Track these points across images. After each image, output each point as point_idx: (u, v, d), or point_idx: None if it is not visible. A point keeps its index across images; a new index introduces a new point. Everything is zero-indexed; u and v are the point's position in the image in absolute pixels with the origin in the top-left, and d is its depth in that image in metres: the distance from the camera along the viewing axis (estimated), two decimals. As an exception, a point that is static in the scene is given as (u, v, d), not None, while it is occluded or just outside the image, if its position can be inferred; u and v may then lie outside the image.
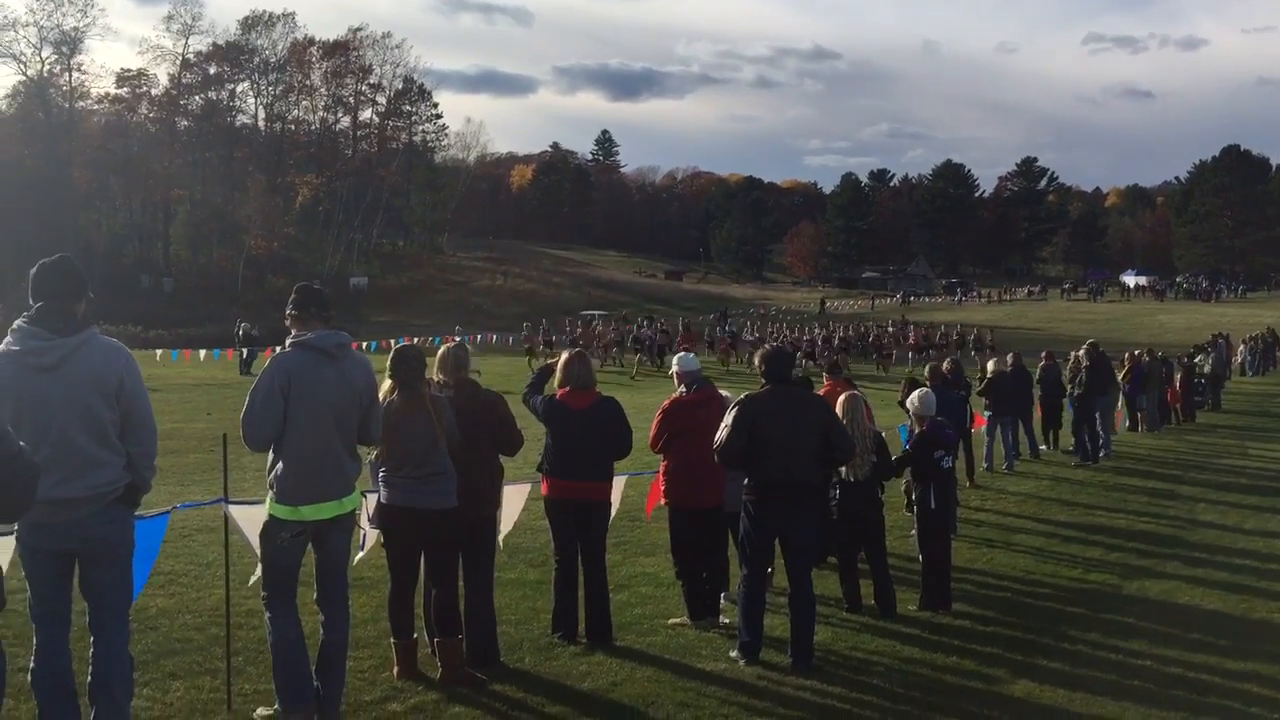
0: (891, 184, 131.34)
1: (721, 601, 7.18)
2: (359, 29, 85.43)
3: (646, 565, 8.73)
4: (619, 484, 7.26)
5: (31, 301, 4.26)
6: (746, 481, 6.31)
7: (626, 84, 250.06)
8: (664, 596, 7.69)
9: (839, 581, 7.72)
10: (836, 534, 7.71)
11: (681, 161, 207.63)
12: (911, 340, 42.33)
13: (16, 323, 4.18)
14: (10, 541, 4.40)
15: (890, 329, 46.11)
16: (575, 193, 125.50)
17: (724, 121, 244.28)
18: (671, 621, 7.01)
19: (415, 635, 5.76)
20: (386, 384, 5.52)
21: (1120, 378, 17.68)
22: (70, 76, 76.87)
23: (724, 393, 7.53)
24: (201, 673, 5.75)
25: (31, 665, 4.26)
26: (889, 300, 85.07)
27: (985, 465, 14.05)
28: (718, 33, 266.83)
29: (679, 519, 7.15)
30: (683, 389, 7.23)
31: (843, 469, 7.41)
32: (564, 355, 6.91)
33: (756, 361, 6.74)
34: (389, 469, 5.52)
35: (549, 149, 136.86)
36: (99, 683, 4.33)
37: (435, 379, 5.95)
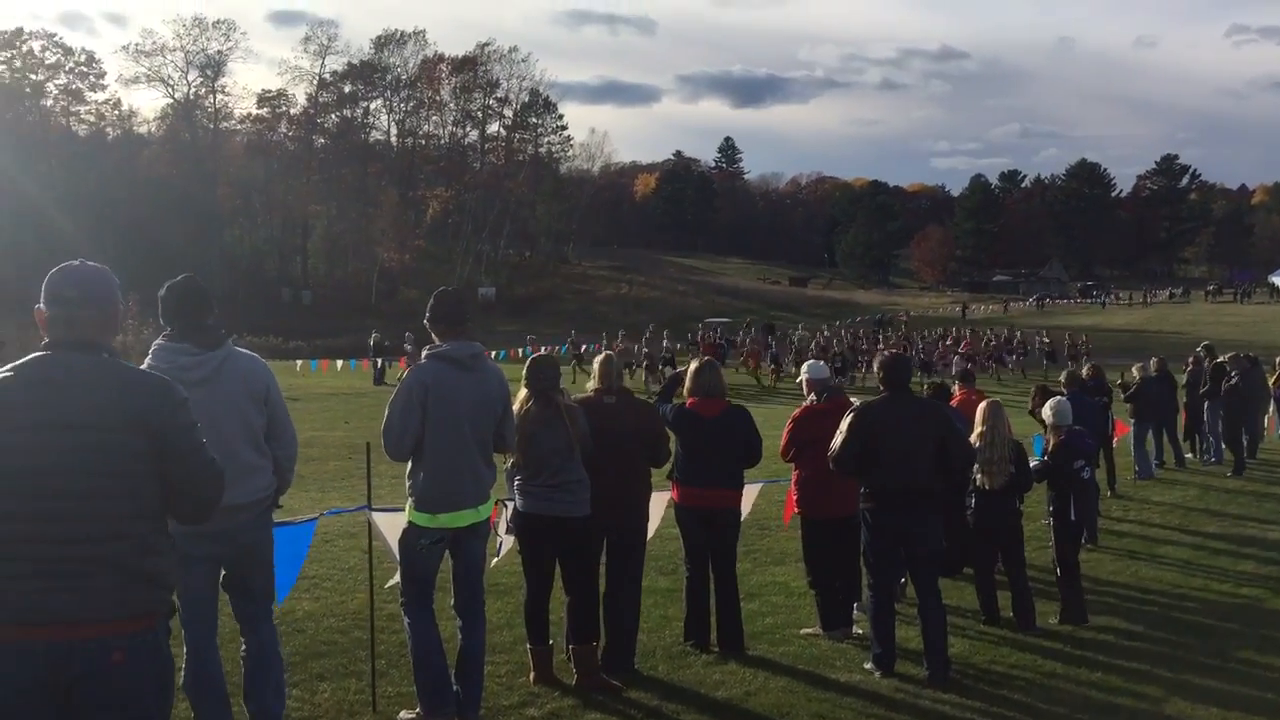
0: (1023, 185, 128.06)
1: (855, 612, 7.11)
2: (486, 44, 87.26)
3: (777, 574, 8.68)
4: (749, 492, 7.25)
5: (165, 322, 4.46)
6: (863, 490, 6.26)
7: (749, 90, 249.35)
8: (795, 606, 7.64)
9: (975, 592, 7.56)
10: (973, 544, 7.56)
11: (805, 167, 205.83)
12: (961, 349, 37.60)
13: (156, 344, 4.38)
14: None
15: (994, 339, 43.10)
16: (698, 200, 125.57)
17: (848, 125, 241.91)
18: (804, 631, 6.96)
19: (551, 641, 5.85)
20: (522, 393, 5.63)
21: (1271, 383, 16.90)
22: (214, 99, 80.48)
23: (857, 401, 7.47)
24: (347, 675, 5.92)
25: (183, 669, 4.44)
26: (1023, 304, 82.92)
27: (1136, 473, 13.61)
28: (842, 36, 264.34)
29: (811, 528, 7.10)
30: (813, 397, 7.19)
31: (978, 478, 7.26)
32: (693, 364, 6.94)
33: (875, 368, 6.67)
34: (525, 477, 5.62)
35: (672, 157, 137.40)
36: (253, 684, 4.52)
37: (594, 387, 6.07)
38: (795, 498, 7.24)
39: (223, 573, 4.50)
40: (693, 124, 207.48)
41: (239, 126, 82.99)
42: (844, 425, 6.21)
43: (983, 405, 7.59)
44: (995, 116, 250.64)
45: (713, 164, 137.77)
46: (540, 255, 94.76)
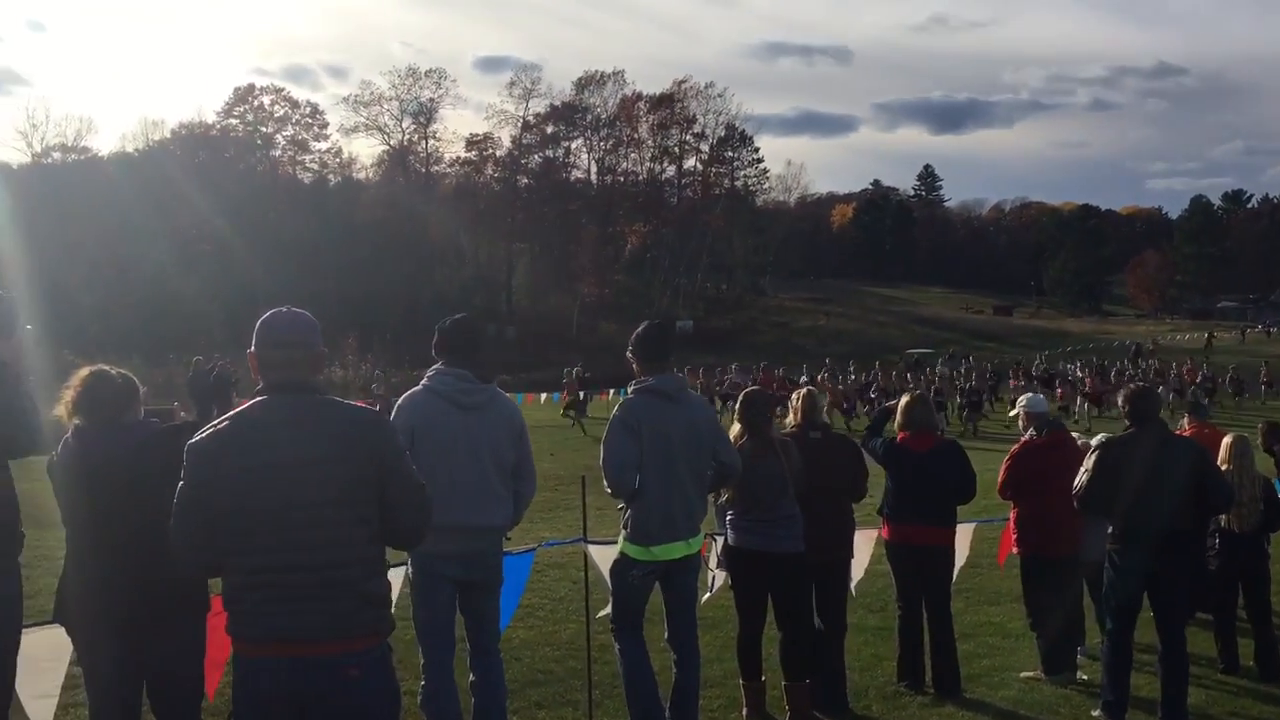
0: (1249, 205, 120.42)
1: (1078, 656, 6.81)
2: (683, 81, 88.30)
3: (992, 614, 8.39)
4: (962, 530, 7.07)
5: (438, 353, 4.80)
6: (1111, 530, 5.96)
7: (949, 116, 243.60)
8: (1013, 648, 7.37)
9: (1214, 639, 7.12)
10: (1214, 587, 7.11)
11: (1009, 192, 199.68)
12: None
13: (436, 369, 4.70)
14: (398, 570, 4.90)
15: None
16: (897, 229, 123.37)
17: (1055, 148, 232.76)
18: (1024, 675, 6.71)
19: (764, 677, 5.83)
20: (735, 428, 5.67)
21: None
22: (426, 144, 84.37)
23: (1077, 436, 7.20)
24: (563, 704, 6.06)
25: (421, 688, 4.68)
26: (1252, 331, 77.82)
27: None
28: (1048, 57, 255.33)
29: (1031, 568, 6.86)
30: (1032, 432, 6.96)
31: (1224, 518, 6.85)
32: (905, 397, 6.83)
33: (1120, 401, 6.35)
34: (738, 512, 5.64)
35: (869, 186, 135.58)
36: (481, 709, 4.71)
37: (795, 423, 6.08)
38: (1014, 536, 7.01)
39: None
40: (890, 152, 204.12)
41: (448, 170, 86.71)
42: (1089, 461, 5.93)
43: (1227, 441, 7.15)
44: (1216, 134, 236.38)
45: (911, 192, 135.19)
46: (737, 288, 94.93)
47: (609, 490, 5.10)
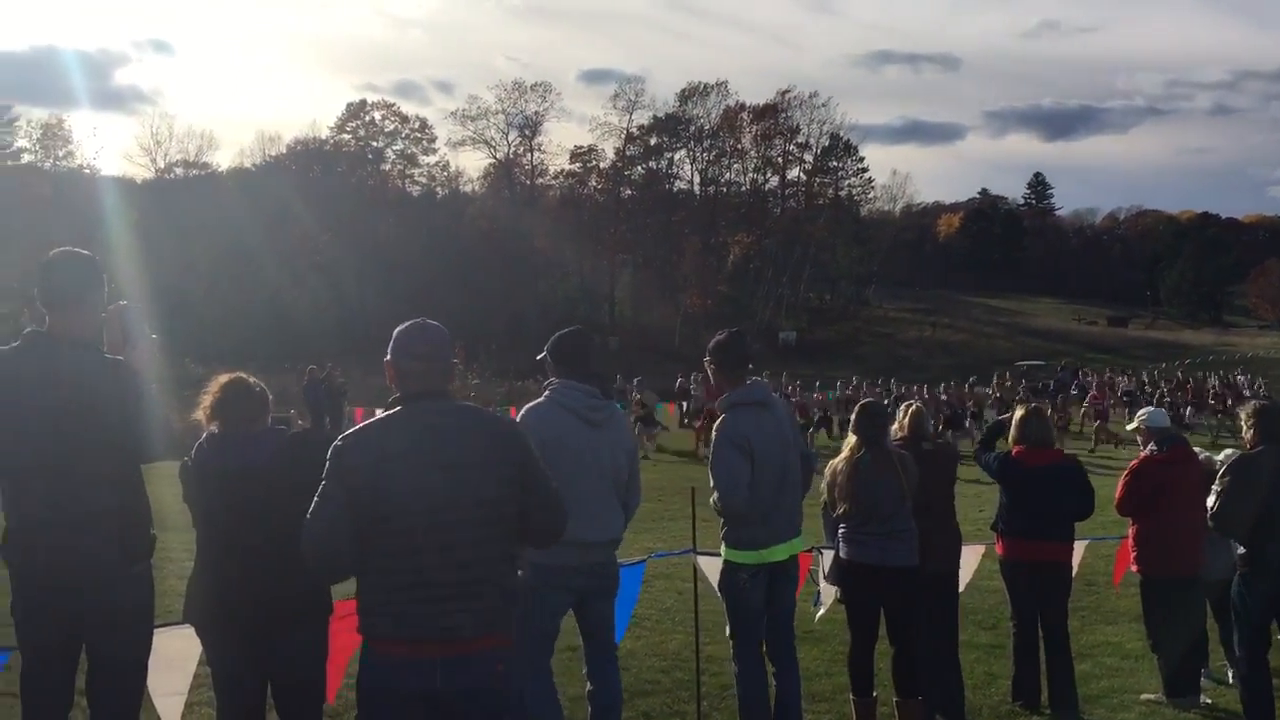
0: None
1: (1202, 679, 6.59)
2: (787, 91, 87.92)
3: (1109, 634, 8.17)
4: (1076, 546, 6.90)
5: (558, 365, 4.86)
6: (1242, 551, 5.76)
7: (1061, 123, 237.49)
8: (1132, 669, 7.16)
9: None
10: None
11: (1123, 200, 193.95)
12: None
13: (560, 383, 4.78)
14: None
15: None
16: (1006, 239, 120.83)
17: (1172, 155, 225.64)
18: (1145, 697, 6.51)
19: (875, 694, 5.77)
20: (851, 439, 5.63)
21: None
22: (531, 156, 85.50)
23: (1200, 451, 6.97)
24: (672, 715, 6.08)
25: (529, 690, 4.75)
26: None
27: None
28: (1165, 62, 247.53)
29: (1151, 587, 6.66)
30: (1152, 447, 6.77)
31: None
32: (1019, 411, 6.70)
33: (1243, 418, 6.12)
34: (852, 525, 5.60)
35: (977, 195, 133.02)
36: (599, 716, 4.79)
37: (903, 436, 6.02)
38: (1132, 554, 6.81)
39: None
40: (999, 160, 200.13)
41: (553, 182, 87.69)
42: (1224, 481, 5.70)
43: None
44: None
45: (1021, 200, 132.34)
46: (841, 298, 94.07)
47: (720, 509, 5.09)
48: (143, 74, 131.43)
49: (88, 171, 53.55)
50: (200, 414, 4.21)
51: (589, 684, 4.91)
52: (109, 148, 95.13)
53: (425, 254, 73.04)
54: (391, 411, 3.36)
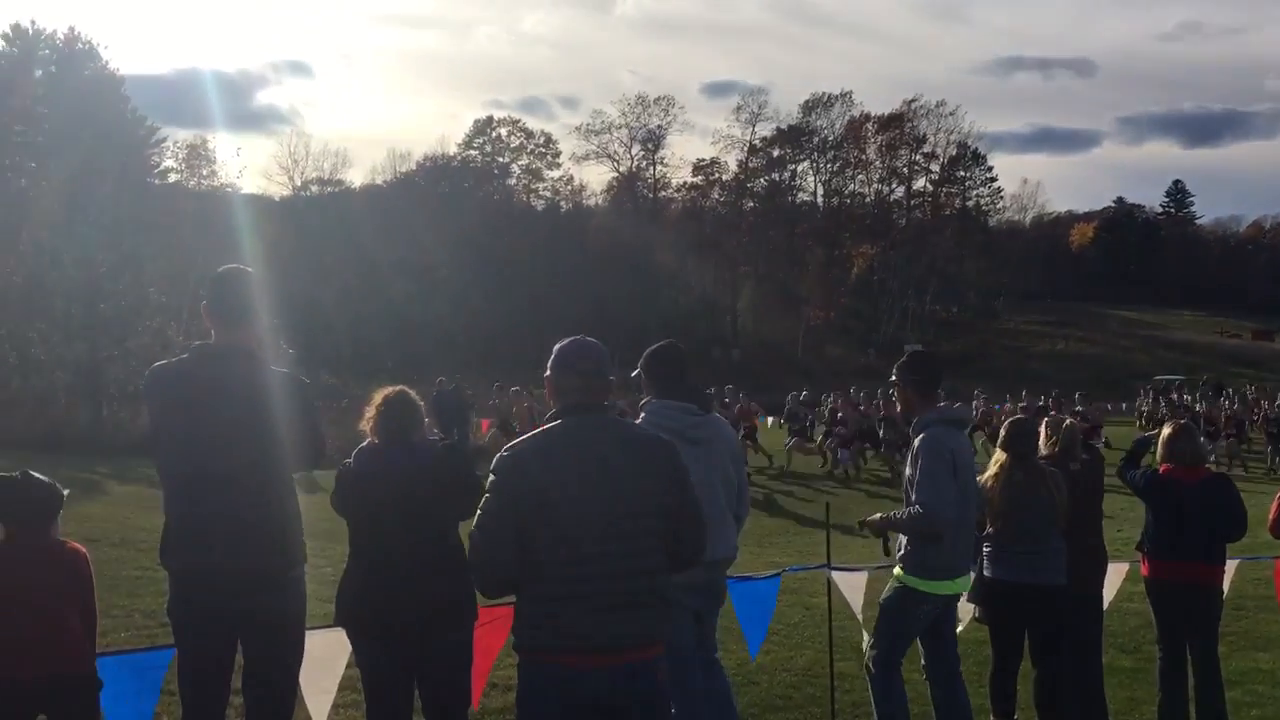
0: None
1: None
2: (913, 100, 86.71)
3: (1261, 661, 7.82)
4: (1229, 568, 6.63)
5: (652, 382, 4.86)
6: None
7: (1203, 128, 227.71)
8: (1287, 699, 6.86)
9: None
10: None
11: (1272, 209, 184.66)
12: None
13: (656, 402, 4.79)
14: None
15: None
16: (1143, 249, 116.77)
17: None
18: (1301, 728, 6.24)
19: (1016, 715, 5.64)
20: (1001, 456, 5.52)
21: None
22: (654, 170, 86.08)
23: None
24: (804, 730, 6.04)
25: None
26: None
27: None
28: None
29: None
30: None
31: None
32: (1166, 428, 6.47)
33: None
34: (998, 544, 5.49)
35: (1112, 204, 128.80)
36: (718, 712, 4.82)
37: (1049, 451, 5.89)
38: (1290, 578, 6.53)
39: None
40: (1136, 168, 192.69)
41: (675, 195, 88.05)
42: None
43: None
44: None
45: (1159, 209, 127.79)
46: (968, 311, 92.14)
47: (926, 529, 4.89)
48: (281, 95, 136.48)
49: (229, 190, 55.72)
50: (365, 424, 4.38)
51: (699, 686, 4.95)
52: (249, 167, 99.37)
53: (549, 268, 74.05)
54: (551, 425, 3.44)
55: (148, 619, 7.80)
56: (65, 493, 4.18)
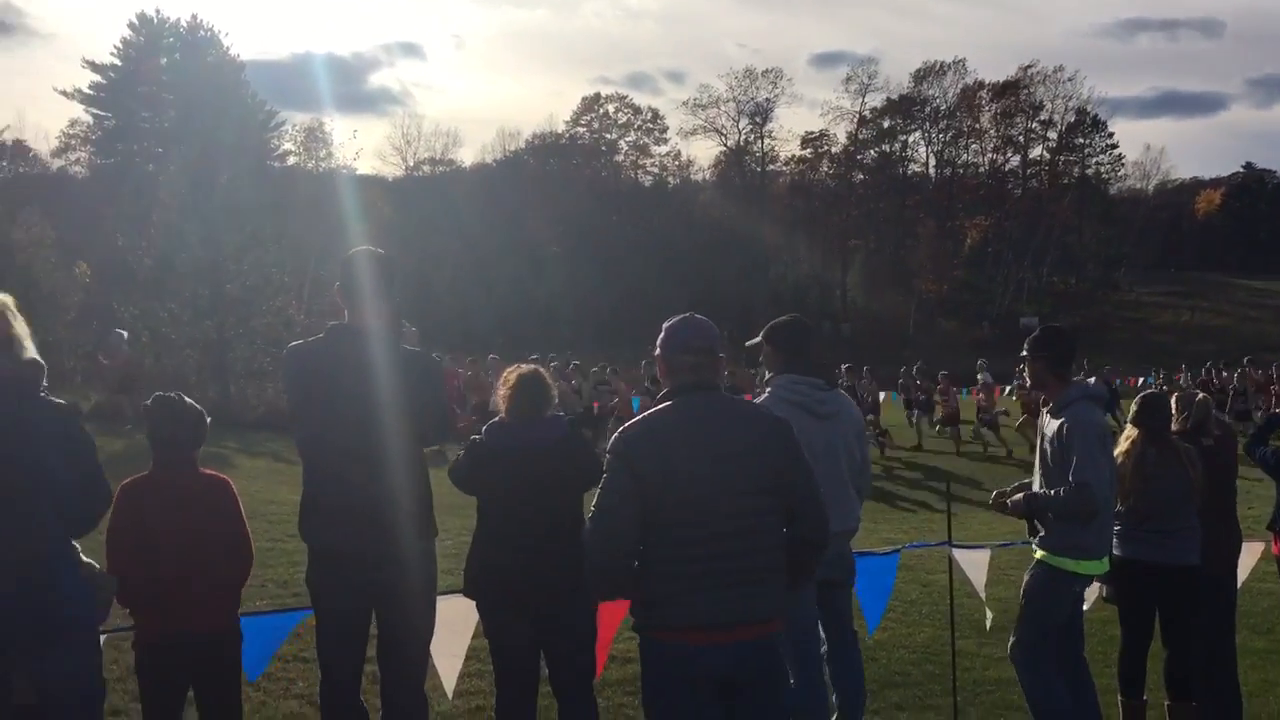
0: None
1: None
2: (1029, 66, 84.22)
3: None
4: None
5: (778, 356, 4.87)
6: None
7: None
8: None
9: None
10: None
11: None
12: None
13: (785, 377, 4.80)
14: None
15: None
16: (1273, 216, 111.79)
17: None
18: None
19: (1145, 697, 5.52)
20: (1132, 433, 5.38)
21: None
22: (762, 143, 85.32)
23: None
24: (924, 708, 6.01)
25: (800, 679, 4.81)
26: None
27: None
28: None
29: None
30: None
31: None
32: None
33: None
34: (1130, 523, 5.35)
35: (1240, 170, 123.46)
36: (845, 696, 4.83)
37: (1181, 427, 5.73)
38: None
39: None
40: (1266, 132, 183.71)
41: (783, 168, 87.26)
42: None
43: None
44: None
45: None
46: (1087, 282, 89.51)
47: (1085, 509, 4.74)
48: (393, 77, 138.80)
49: (345, 171, 57.15)
50: (498, 399, 4.50)
51: (828, 670, 4.93)
52: (364, 149, 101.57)
53: (657, 244, 74.19)
54: (665, 405, 3.47)
55: (280, 589, 8.10)
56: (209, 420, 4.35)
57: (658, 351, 3.55)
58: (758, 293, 71.92)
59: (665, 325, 3.58)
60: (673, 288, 65.57)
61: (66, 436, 3.51)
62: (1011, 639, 5.12)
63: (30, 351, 3.45)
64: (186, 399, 4.27)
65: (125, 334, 22.22)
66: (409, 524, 4.08)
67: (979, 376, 23.79)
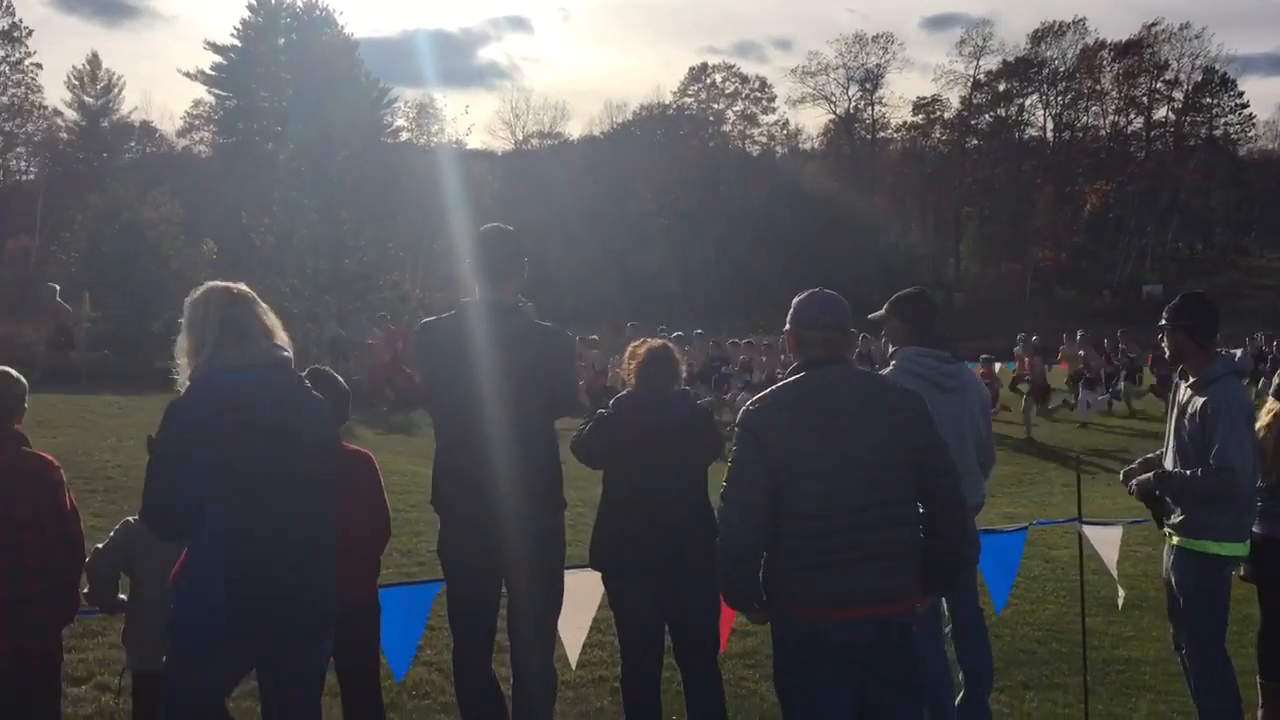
0: None
1: None
2: (1153, 24, 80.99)
3: None
4: None
5: (903, 328, 4.81)
6: None
7: None
8: None
9: None
10: None
11: None
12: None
13: (909, 350, 4.73)
14: None
15: None
16: None
17: None
18: None
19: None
20: (1275, 406, 5.17)
21: None
22: (872, 110, 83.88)
23: None
24: (1051, 686, 5.91)
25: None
26: None
27: None
28: None
29: None
30: None
31: None
32: None
33: None
34: (1271, 499, 5.14)
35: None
36: (973, 674, 4.79)
37: None
38: None
39: None
40: None
41: (894, 135, 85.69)
42: None
43: None
44: None
45: None
46: (1215, 248, 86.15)
47: (1230, 492, 4.56)
48: (501, 51, 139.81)
49: (455, 146, 57.94)
50: (624, 373, 4.55)
51: (954, 648, 4.88)
52: (473, 123, 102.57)
53: (765, 214, 73.62)
54: (795, 378, 3.45)
55: (405, 558, 8.30)
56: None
57: (787, 326, 3.55)
58: (867, 263, 70.89)
59: (795, 300, 3.57)
60: (779, 258, 65.09)
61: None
62: (1179, 639, 4.89)
63: (285, 342, 3.54)
64: (335, 374, 4.39)
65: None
66: (540, 496, 4.14)
67: (1016, 349, 23.35)
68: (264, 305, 3.54)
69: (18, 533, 3.83)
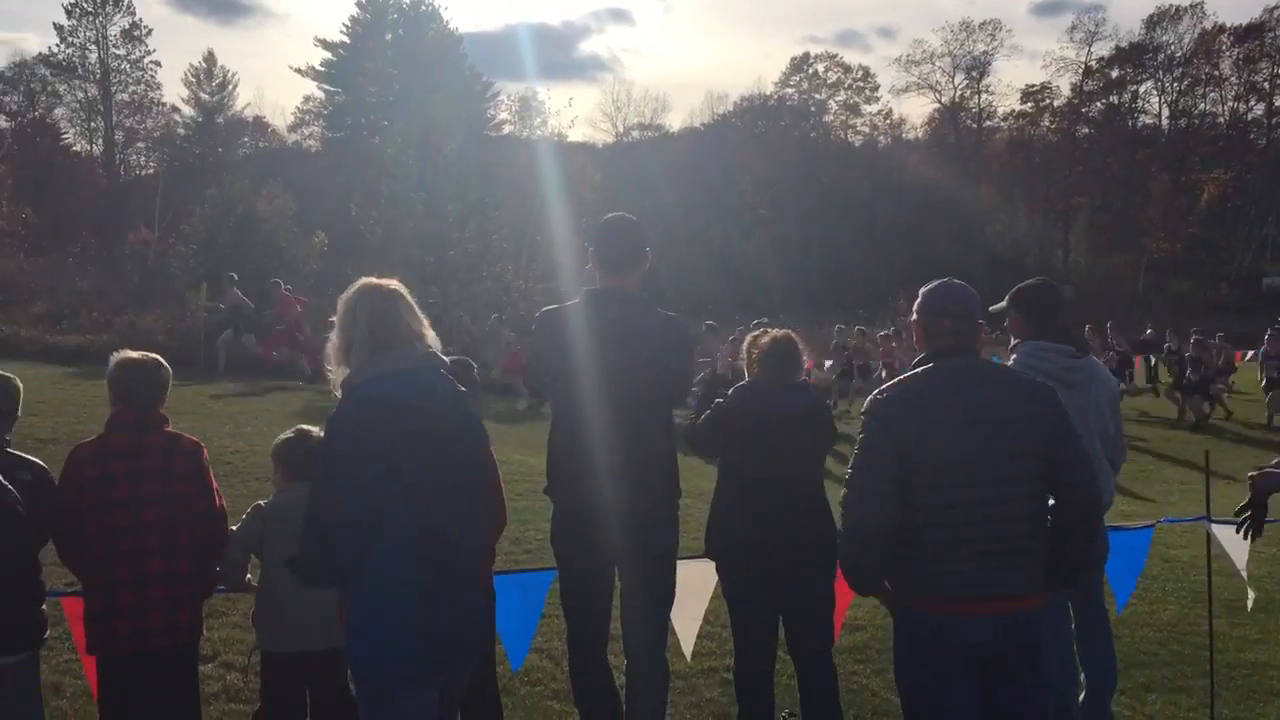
0: None
1: None
2: (1275, 7, 77.77)
3: None
4: None
5: (1024, 320, 4.70)
6: None
7: None
8: None
9: None
10: None
11: None
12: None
13: (1033, 344, 4.64)
14: None
15: None
16: None
17: None
18: None
19: None
20: None
21: None
22: (978, 99, 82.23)
23: None
24: (1175, 690, 5.74)
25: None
26: None
27: None
28: None
29: None
30: None
31: None
32: None
33: None
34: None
35: None
36: (1098, 679, 4.68)
37: None
38: None
39: None
40: None
41: (1001, 124, 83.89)
42: None
43: None
44: None
45: None
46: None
47: None
48: (602, 44, 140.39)
49: (558, 139, 58.47)
50: (753, 365, 4.54)
51: (1080, 648, 4.78)
52: (576, 116, 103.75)
53: (868, 204, 72.74)
54: (924, 370, 3.41)
55: (513, 545, 8.40)
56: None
57: (914, 316, 3.50)
58: (972, 255, 69.51)
59: (922, 290, 3.53)
60: (882, 250, 64.26)
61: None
62: None
63: (435, 342, 3.41)
64: (472, 362, 4.46)
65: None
66: (658, 486, 4.15)
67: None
68: (411, 302, 3.38)
69: (174, 509, 3.97)
